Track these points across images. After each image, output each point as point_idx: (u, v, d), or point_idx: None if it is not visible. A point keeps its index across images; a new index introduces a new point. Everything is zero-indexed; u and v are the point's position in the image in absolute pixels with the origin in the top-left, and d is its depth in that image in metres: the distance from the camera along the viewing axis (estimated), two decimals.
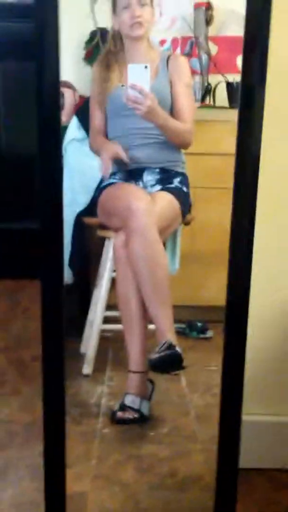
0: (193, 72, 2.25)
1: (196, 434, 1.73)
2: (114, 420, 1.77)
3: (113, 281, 1.97)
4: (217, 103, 2.51)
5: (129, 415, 1.77)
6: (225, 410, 1.25)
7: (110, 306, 2.05)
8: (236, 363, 1.25)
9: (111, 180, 2.02)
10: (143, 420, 1.77)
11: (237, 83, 2.24)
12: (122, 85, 1.97)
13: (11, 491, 1.46)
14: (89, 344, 2.05)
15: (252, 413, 1.56)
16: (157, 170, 2.02)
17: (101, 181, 2.06)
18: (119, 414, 1.77)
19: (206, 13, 2.42)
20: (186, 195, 2.03)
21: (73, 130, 2.16)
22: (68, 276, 2.05)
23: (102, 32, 2.32)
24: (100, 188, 2.04)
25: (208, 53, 2.45)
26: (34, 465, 1.52)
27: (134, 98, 1.83)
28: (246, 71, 1.07)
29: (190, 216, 2.07)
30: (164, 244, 1.89)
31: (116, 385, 1.99)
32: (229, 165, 1.21)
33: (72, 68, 2.48)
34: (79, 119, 2.21)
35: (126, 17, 1.96)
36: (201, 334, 2.34)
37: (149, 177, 2.01)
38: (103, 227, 2.02)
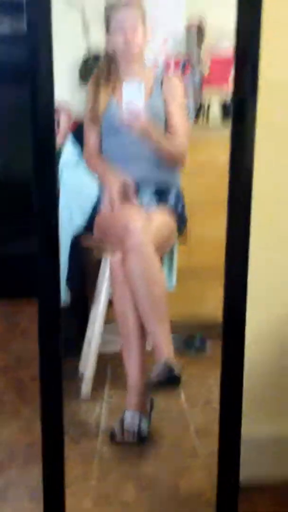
0: (186, 91, 2.27)
1: (196, 449, 1.72)
2: (113, 439, 1.76)
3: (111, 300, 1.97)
4: (211, 121, 2.53)
5: (128, 434, 1.76)
6: (225, 425, 1.25)
7: (108, 324, 2.05)
8: (234, 378, 1.25)
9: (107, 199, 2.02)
10: (142, 437, 1.77)
11: (230, 100, 2.26)
12: (117, 104, 1.99)
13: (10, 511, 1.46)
14: (87, 363, 2.05)
15: (251, 429, 1.55)
16: (152, 187, 2.03)
17: (98, 200, 2.07)
18: (118, 433, 1.76)
19: (197, 34, 2.45)
20: (182, 211, 2.05)
21: (69, 150, 2.17)
22: (65, 295, 2.05)
23: (96, 53, 2.35)
24: (97, 208, 2.05)
25: (201, 72, 2.48)
26: (33, 486, 1.51)
27: (128, 116, 1.85)
28: (237, 85, 1.09)
29: (185, 235, 2.08)
30: (161, 260, 1.90)
31: (115, 403, 1.98)
32: (224, 180, 1.22)
33: (68, 88, 2.50)
34: (75, 139, 2.22)
35: (119, 38, 1.99)
36: (199, 349, 2.34)
37: (144, 195, 2.03)
38: (100, 247, 2.03)
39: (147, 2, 2.05)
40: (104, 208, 1.97)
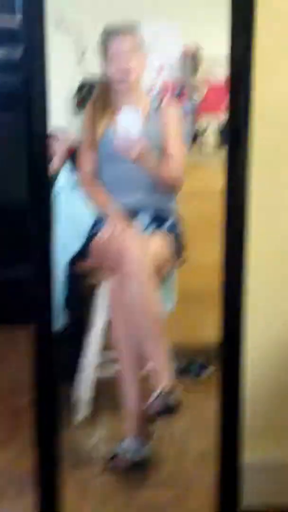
0: (182, 118, 2.30)
1: (195, 476, 1.70)
2: (111, 467, 1.74)
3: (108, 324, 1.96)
4: (206, 147, 2.55)
5: (126, 461, 1.74)
6: (223, 451, 1.24)
7: (105, 349, 2.04)
8: (232, 403, 1.24)
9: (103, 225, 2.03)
10: (141, 464, 1.74)
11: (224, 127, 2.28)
12: (113, 131, 2.01)
13: None
14: (83, 389, 2.04)
15: (252, 456, 1.53)
16: (149, 213, 2.04)
17: (94, 225, 2.07)
18: (116, 460, 1.74)
19: (192, 61, 2.49)
20: (179, 236, 2.05)
21: (65, 176, 2.18)
22: (62, 321, 2.04)
23: (91, 80, 2.37)
24: (93, 233, 2.05)
25: (197, 98, 2.51)
26: None
27: (124, 143, 1.86)
28: (231, 112, 1.10)
29: (182, 258, 2.08)
30: (161, 283, 1.90)
31: (112, 429, 1.96)
32: (219, 204, 1.23)
33: (65, 114, 2.52)
34: (71, 165, 2.23)
35: (116, 66, 2.00)
36: (199, 373, 2.32)
37: (141, 220, 2.03)
38: (95, 272, 2.03)
39: (143, 30, 2.07)
40: (105, 233, 1.97)
